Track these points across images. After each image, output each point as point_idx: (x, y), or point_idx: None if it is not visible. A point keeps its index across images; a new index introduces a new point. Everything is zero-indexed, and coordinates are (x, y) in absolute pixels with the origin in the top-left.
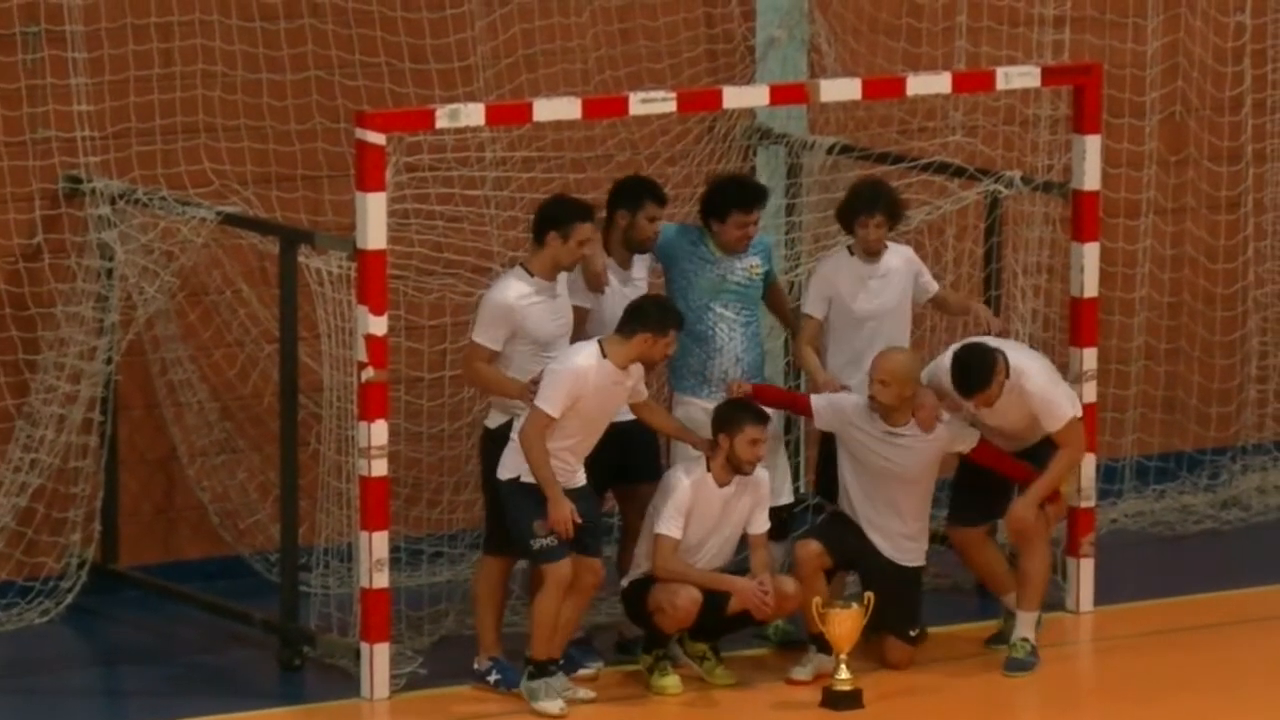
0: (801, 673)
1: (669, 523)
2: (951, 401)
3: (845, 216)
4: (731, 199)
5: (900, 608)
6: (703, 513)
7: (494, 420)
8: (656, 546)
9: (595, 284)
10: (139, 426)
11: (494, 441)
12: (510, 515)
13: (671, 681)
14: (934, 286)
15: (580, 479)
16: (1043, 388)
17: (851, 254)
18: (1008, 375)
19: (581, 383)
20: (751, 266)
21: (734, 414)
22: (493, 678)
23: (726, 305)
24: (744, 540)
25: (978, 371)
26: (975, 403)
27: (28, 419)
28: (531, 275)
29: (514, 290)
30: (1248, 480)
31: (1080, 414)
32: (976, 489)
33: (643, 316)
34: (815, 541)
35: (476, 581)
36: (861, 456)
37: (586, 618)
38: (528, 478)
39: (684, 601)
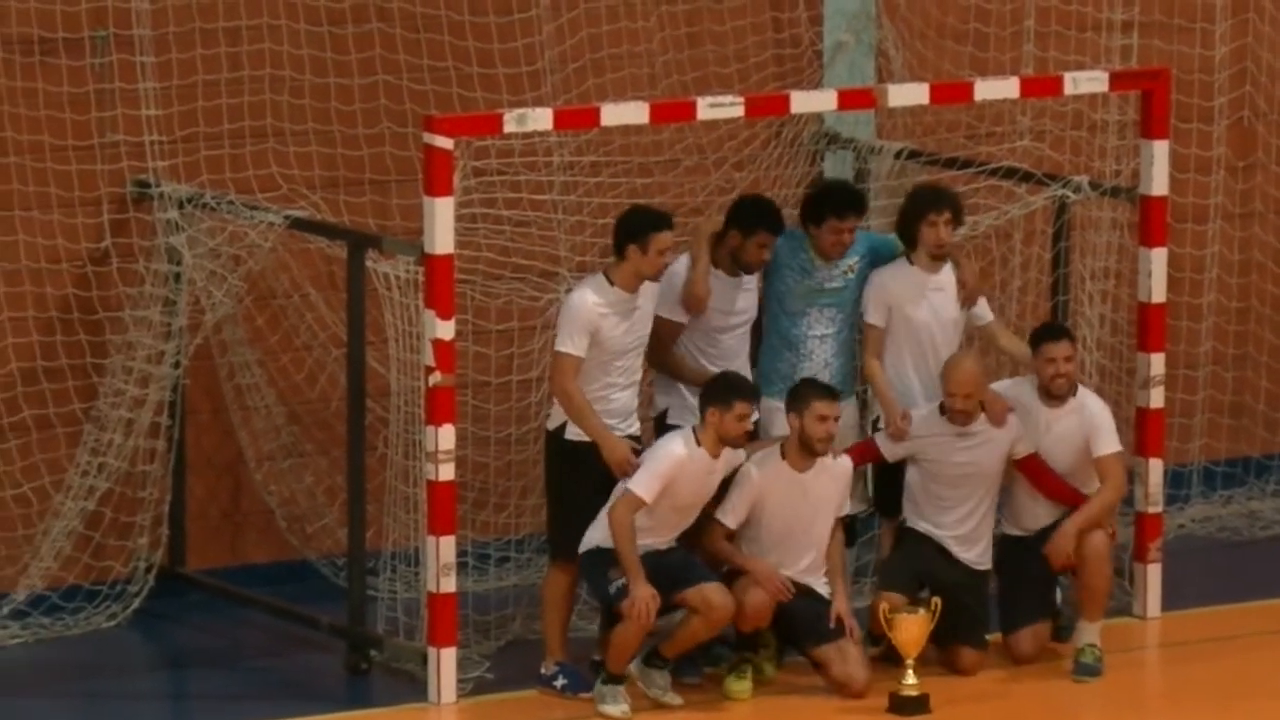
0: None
1: (727, 512)
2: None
3: (910, 219)
4: (828, 206)
5: (974, 616)
6: (780, 500)
7: (552, 421)
8: (708, 529)
9: (694, 306)
10: (206, 430)
11: (552, 443)
12: (588, 578)
13: (743, 686)
14: (988, 315)
15: (670, 544)
16: (1104, 410)
17: (910, 263)
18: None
19: (679, 469)
20: (848, 268)
21: (801, 390)
22: (559, 682)
23: (822, 311)
24: None
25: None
26: (1065, 353)
27: (95, 423)
28: (612, 285)
29: (591, 297)
30: None
31: (1124, 453)
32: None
33: (708, 393)
34: (896, 594)
35: (545, 587)
36: (937, 464)
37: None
38: (606, 544)
39: (756, 598)
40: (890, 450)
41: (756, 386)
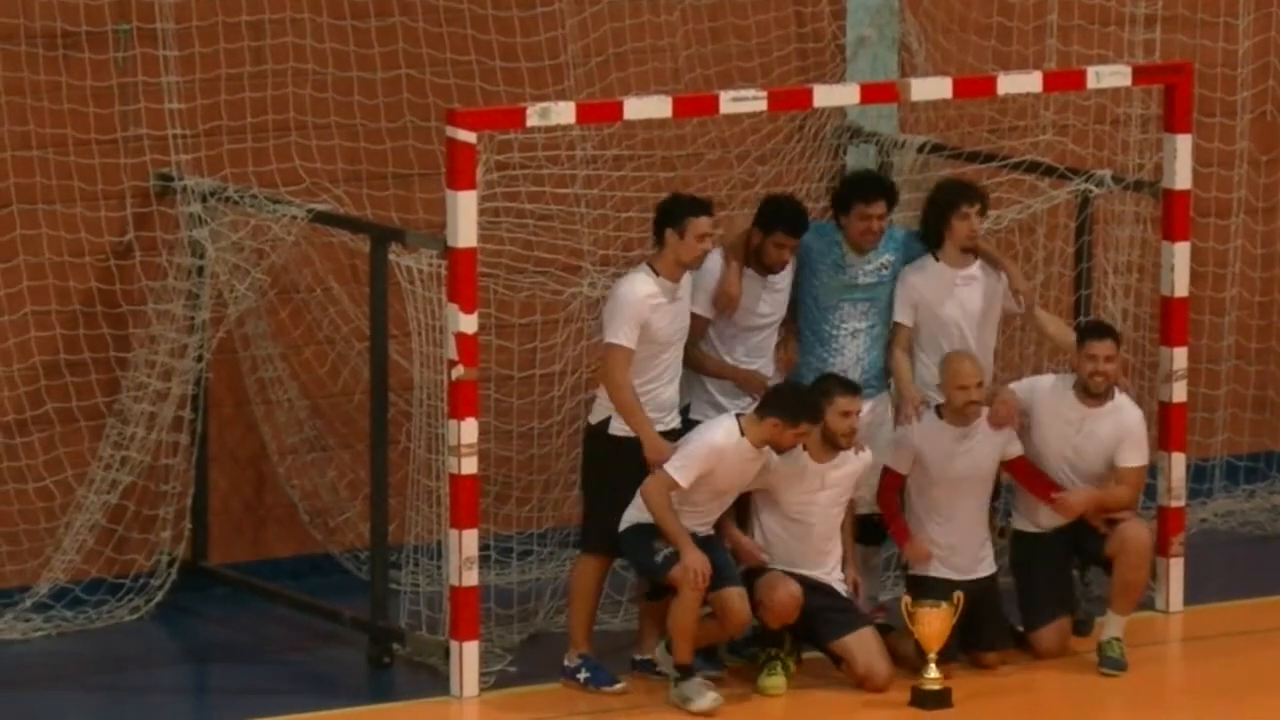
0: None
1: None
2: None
3: (940, 213)
4: (853, 191)
5: (994, 623)
6: (797, 495)
7: (596, 415)
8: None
9: (725, 304)
10: (229, 424)
11: (594, 437)
12: (631, 555)
13: (776, 682)
14: (1020, 306)
15: (708, 531)
16: (1141, 422)
17: (936, 260)
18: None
19: (717, 459)
20: (882, 264)
21: (824, 385)
22: (582, 675)
23: (855, 305)
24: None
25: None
26: (1107, 351)
27: (118, 416)
28: (657, 274)
29: (642, 288)
30: None
31: (1147, 468)
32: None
33: (779, 402)
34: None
35: (573, 577)
36: (938, 468)
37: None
38: (645, 519)
39: (782, 596)
40: (904, 463)
41: (822, 408)
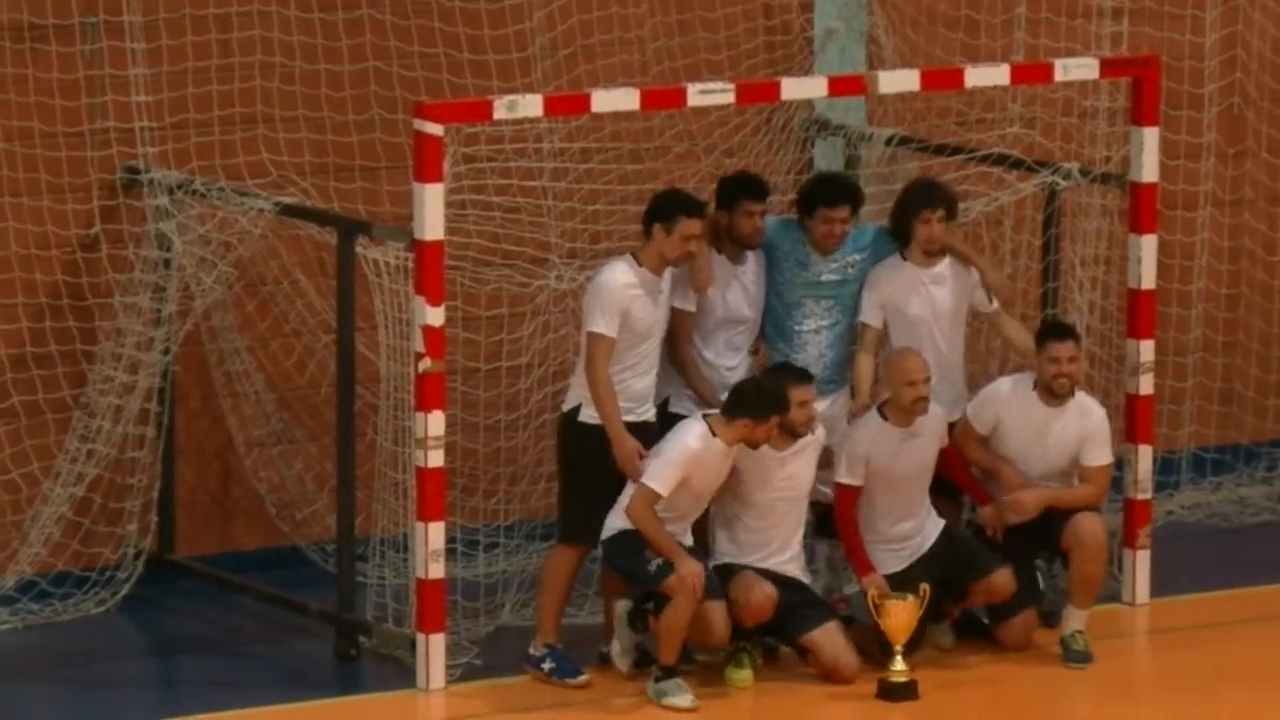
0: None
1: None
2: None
3: (904, 216)
4: (817, 195)
5: (977, 552)
6: (758, 485)
7: (568, 403)
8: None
9: (698, 284)
10: (196, 417)
11: (564, 426)
12: (621, 564)
13: (744, 675)
14: (993, 303)
15: (687, 541)
16: (1104, 421)
17: (904, 259)
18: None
19: (695, 464)
20: (848, 263)
21: (777, 377)
22: (547, 665)
23: (818, 302)
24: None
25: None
26: (1069, 353)
27: (85, 409)
28: (639, 265)
29: (622, 277)
30: None
31: (1112, 466)
32: None
33: (745, 402)
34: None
35: (546, 566)
36: (884, 469)
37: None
38: (630, 526)
39: (758, 597)
40: (857, 474)
41: (788, 398)
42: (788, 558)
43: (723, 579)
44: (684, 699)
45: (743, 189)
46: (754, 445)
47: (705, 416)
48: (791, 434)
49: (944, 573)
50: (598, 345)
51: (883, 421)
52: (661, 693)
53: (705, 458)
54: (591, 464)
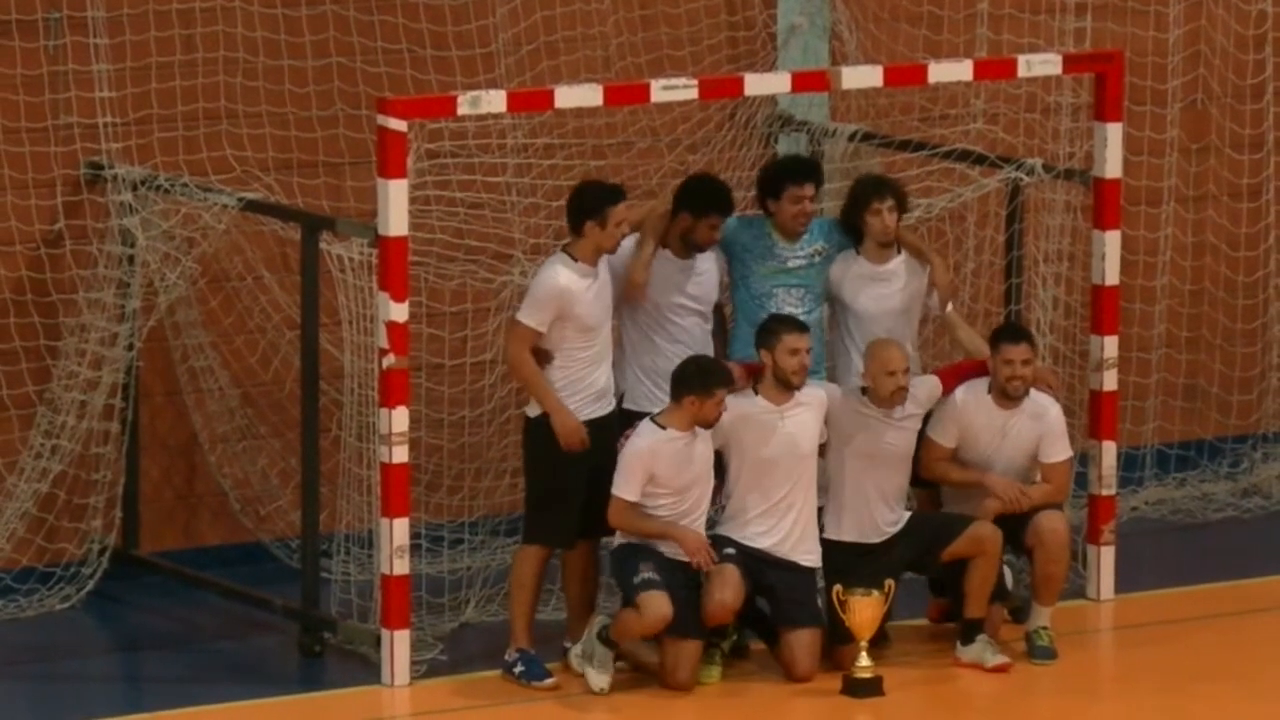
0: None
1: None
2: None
3: (854, 209)
4: (785, 173)
5: (940, 522)
6: (759, 441)
7: (532, 409)
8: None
9: (631, 293)
10: (160, 413)
11: (534, 430)
12: (615, 575)
13: (713, 672)
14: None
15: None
16: (1060, 417)
17: (858, 254)
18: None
19: (650, 459)
20: (814, 251)
21: (769, 326)
22: (517, 669)
23: (789, 291)
24: None
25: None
26: (1023, 355)
27: (49, 405)
28: (576, 261)
29: (564, 276)
30: (1269, 468)
31: (1073, 459)
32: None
33: (686, 380)
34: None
35: (514, 570)
36: (867, 449)
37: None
38: (632, 539)
39: (715, 605)
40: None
41: (729, 369)
42: (790, 533)
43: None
44: (599, 679)
45: (713, 204)
46: (707, 423)
47: (653, 417)
48: (786, 385)
49: (923, 542)
50: (520, 332)
51: (863, 396)
52: (589, 656)
53: (662, 451)
54: (557, 465)
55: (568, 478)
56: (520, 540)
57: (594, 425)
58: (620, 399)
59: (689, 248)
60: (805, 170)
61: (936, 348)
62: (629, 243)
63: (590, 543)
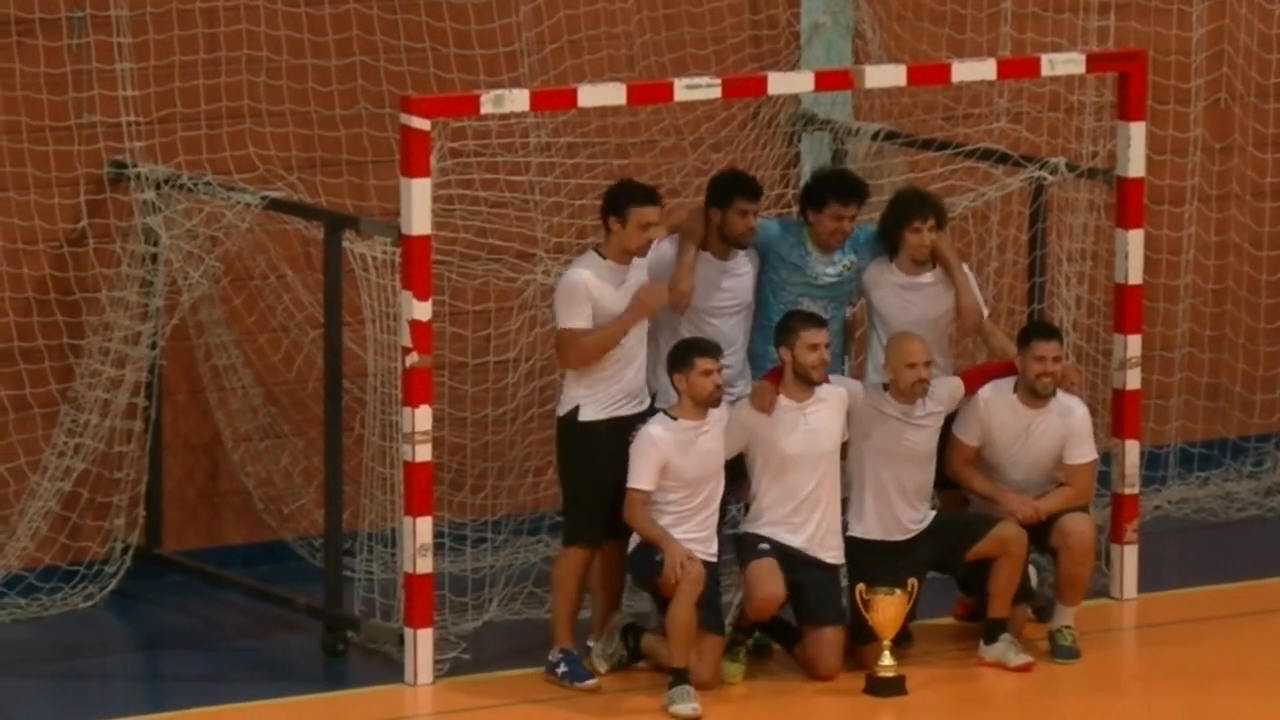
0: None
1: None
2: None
3: (894, 225)
4: (830, 190)
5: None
6: (781, 436)
7: (563, 407)
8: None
9: (677, 302)
10: (183, 411)
11: (563, 430)
12: (634, 573)
13: (736, 669)
14: (984, 311)
15: (710, 550)
16: (1087, 418)
17: (891, 262)
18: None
19: (662, 449)
20: (845, 265)
21: (788, 323)
22: (560, 669)
23: (814, 301)
24: None
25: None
26: (1054, 352)
27: (72, 403)
28: (604, 259)
29: (585, 273)
30: None
31: (1096, 461)
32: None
33: (671, 361)
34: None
35: (556, 570)
36: (887, 446)
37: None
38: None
39: (764, 595)
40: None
41: (715, 343)
42: (818, 530)
43: (748, 552)
44: (684, 707)
45: (737, 188)
46: (706, 399)
47: (663, 410)
48: (806, 380)
49: (948, 542)
50: (566, 338)
51: (885, 392)
52: (670, 700)
53: (674, 439)
54: (593, 464)
55: (605, 477)
56: (561, 542)
57: (625, 423)
58: (654, 398)
59: (727, 245)
60: (851, 190)
61: (960, 346)
62: (669, 250)
63: (619, 543)
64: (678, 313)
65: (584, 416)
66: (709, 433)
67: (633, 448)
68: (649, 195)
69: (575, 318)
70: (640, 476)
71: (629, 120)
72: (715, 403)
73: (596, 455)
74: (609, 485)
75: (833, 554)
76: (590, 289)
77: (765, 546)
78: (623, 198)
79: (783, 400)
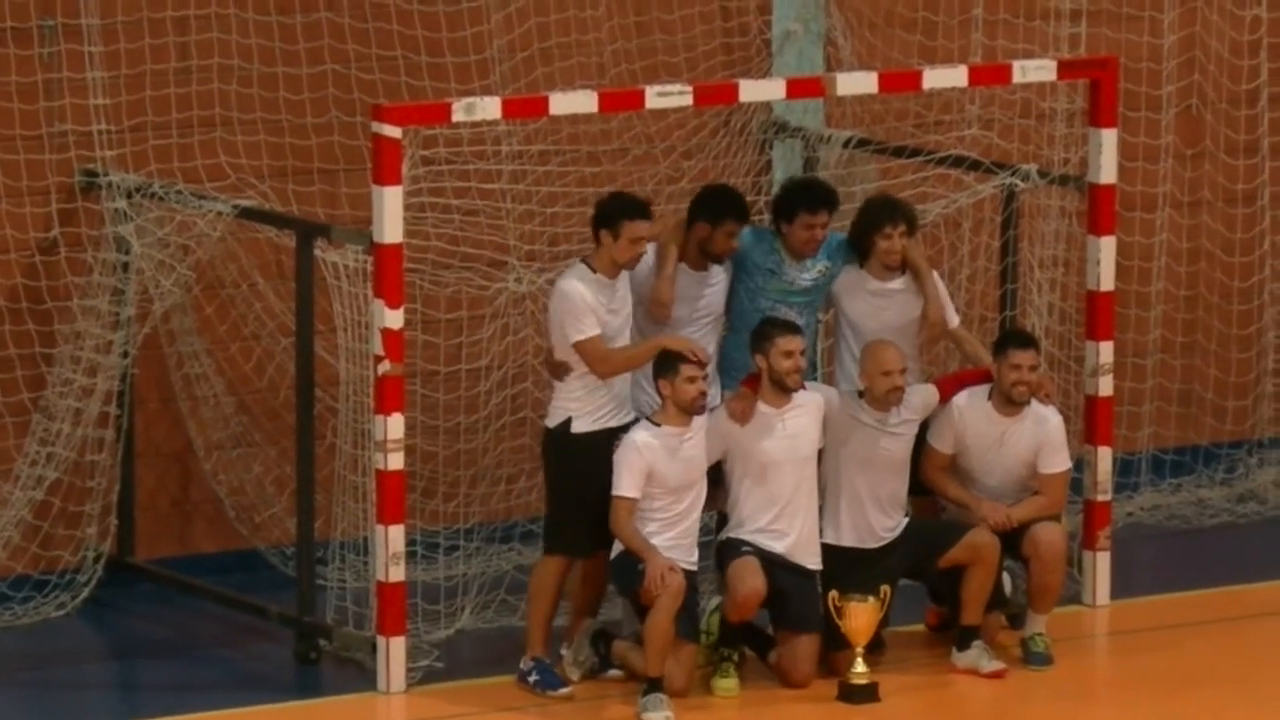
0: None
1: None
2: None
3: (864, 232)
4: (798, 201)
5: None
6: (761, 442)
7: (552, 420)
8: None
9: (658, 312)
10: (155, 420)
11: (553, 441)
12: (617, 581)
13: (729, 684)
14: (955, 319)
15: (691, 559)
16: (1061, 427)
17: (862, 268)
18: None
19: (648, 455)
20: (820, 270)
21: (763, 330)
22: (532, 678)
23: (790, 306)
24: None
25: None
26: (1030, 361)
27: (44, 412)
28: (594, 271)
29: (579, 284)
30: (1264, 474)
31: (1070, 471)
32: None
33: (655, 369)
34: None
35: (533, 579)
36: (862, 454)
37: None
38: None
39: (747, 590)
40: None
41: (692, 345)
42: (799, 537)
43: (728, 557)
44: (658, 715)
45: (731, 209)
46: (689, 405)
47: (646, 416)
48: (782, 387)
49: (921, 548)
50: (592, 348)
51: (860, 400)
52: (643, 708)
53: (658, 446)
54: (581, 475)
55: (591, 489)
56: (542, 550)
57: (614, 433)
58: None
59: (705, 259)
60: (820, 199)
61: (932, 353)
62: (648, 258)
63: (605, 552)
64: (660, 323)
65: (576, 429)
66: (692, 439)
67: (617, 455)
68: (641, 209)
69: (589, 327)
70: (626, 484)
71: (601, 128)
72: (699, 410)
73: (589, 467)
74: (594, 498)
75: (812, 560)
76: (592, 303)
77: (748, 549)
78: (615, 210)
79: (761, 406)
